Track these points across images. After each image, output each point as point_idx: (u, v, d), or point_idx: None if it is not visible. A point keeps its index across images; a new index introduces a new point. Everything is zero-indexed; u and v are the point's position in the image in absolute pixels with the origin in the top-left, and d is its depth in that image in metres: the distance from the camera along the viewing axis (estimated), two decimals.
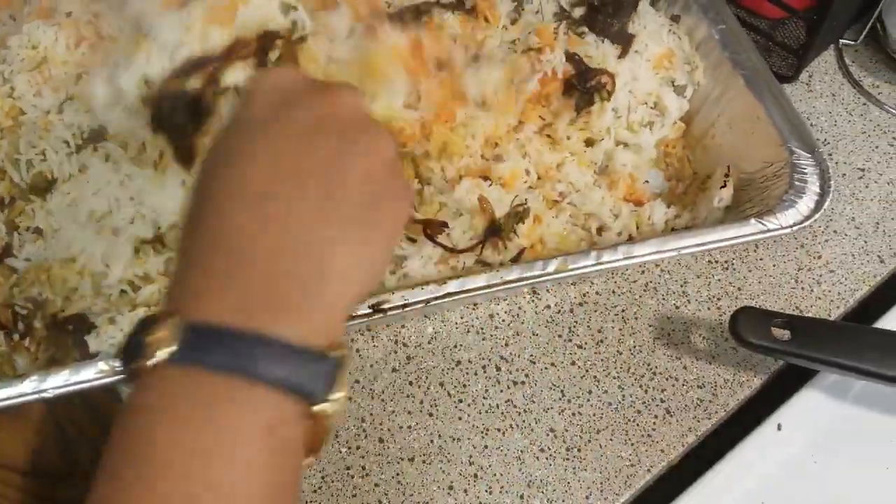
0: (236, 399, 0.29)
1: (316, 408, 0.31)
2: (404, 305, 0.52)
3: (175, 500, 0.28)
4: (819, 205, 0.57)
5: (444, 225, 0.58)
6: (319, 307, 0.32)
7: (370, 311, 0.51)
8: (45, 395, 0.47)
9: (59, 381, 0.47)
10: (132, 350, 0.30)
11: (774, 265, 0.65)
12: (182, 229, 0.34)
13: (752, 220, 0.56)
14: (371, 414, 0.58)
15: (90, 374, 0.47)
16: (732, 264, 0.65)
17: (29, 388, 0.47)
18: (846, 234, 0.67)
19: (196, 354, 0.29)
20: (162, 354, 0.29)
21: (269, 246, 0.32)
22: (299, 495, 0.30)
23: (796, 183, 0.58)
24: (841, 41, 0.77)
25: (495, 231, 0.58)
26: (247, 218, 0.32)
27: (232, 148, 0.34)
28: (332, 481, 0.55)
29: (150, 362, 0.29)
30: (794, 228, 0.56)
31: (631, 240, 0.60)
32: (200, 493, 0.28)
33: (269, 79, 0.37)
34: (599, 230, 0.63)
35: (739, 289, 0.64)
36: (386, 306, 0.51)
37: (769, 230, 0.56)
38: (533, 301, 0.63)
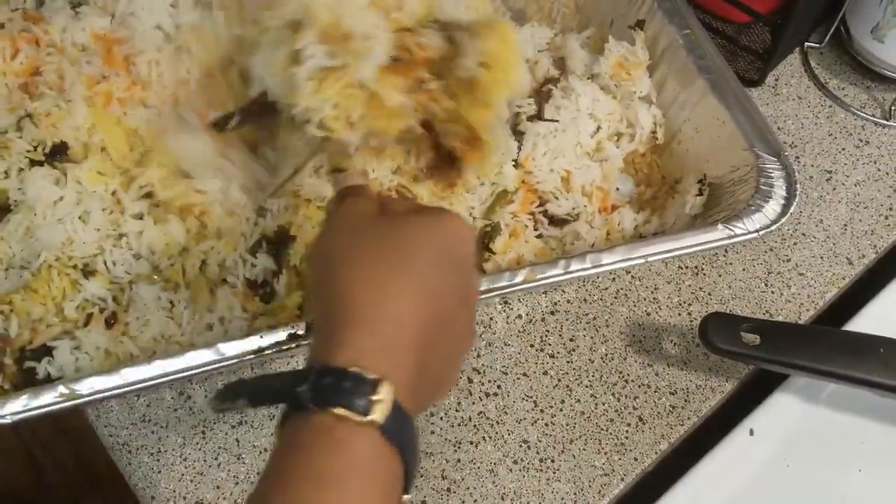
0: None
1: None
2: None
3: None
4: (785, 209, 0.57)
5: None
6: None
7: None
8: (3, 420, 0.46)
9: (18, 407, 0.46)
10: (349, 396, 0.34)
11: (744, 269, 0.65)
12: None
13: (719, 226, 0.56)
14: None
15: (49, 399, 0.46)
16: (702, 269, 0.65)
17: None
18: (815, 237, 0.67)
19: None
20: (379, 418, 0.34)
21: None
22: None
23: (762, 187, 0.58)
24: (806, 44, 0.77)
25: None
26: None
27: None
28: None
29: (371, 417, 0.34)
30: (761, 233, 0.56)
31: (599, 248, 0.60)
32: None
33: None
34: (573, 240, 0.63)
35: (710, 294, 0.64)
36: None
37: (736, 235, 0.56)
38: (504, 311, 0.62)
